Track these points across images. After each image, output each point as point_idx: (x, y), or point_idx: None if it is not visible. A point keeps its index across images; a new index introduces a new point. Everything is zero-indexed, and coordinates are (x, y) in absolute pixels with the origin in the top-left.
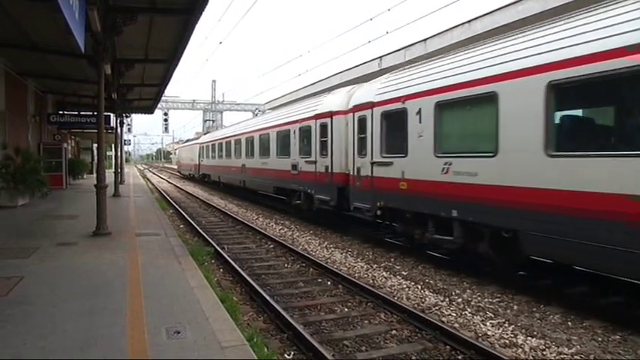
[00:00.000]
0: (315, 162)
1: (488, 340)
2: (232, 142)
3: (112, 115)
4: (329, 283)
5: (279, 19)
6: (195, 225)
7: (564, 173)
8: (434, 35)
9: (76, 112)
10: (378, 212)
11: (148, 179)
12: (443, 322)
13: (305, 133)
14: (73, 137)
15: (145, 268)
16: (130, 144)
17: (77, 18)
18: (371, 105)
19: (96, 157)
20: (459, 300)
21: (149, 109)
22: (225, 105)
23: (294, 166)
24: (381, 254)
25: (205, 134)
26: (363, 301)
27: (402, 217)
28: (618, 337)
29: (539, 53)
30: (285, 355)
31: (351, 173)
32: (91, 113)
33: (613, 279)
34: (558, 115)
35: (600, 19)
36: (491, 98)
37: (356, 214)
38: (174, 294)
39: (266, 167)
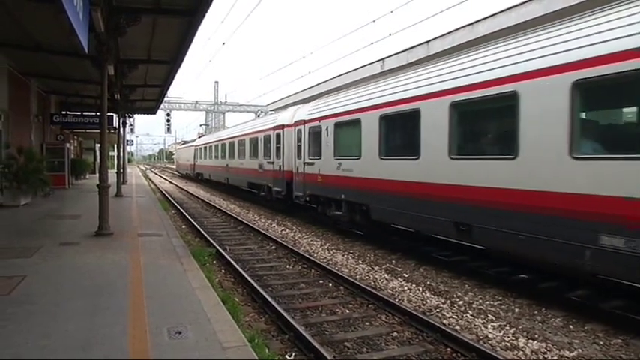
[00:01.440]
0: (273, 163)
1: (490, 342)
2: (219, 146)
3: (114, 116)
4: (330, 284)
5: (282, 21)
6: (197, 226)
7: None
8: (436, 37)
9: (79, 113)
10: (307, 198)
11: (150, 180)
12: (444, 324)
13: (267, 141)
14: (75, 137)
15: (146, 268)
16: (132, 144)
17: (81, 19)
18: (303, 122)
19: (98, 158)
20: (461, 302)
21: (152, 110)
22: (227, 106)
23: (260, 166)
24: (382, 256)
25: (199, 138)
26: (364, 303)
27: (319, 201)
28: (620, 340)
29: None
30: (287, 356)
31: (294, 171)
32: (93, 113)
33: (615, 282)
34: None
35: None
36: (357, 122)
37: (295, 201)
38: (175, 294)
39: (242, 167)
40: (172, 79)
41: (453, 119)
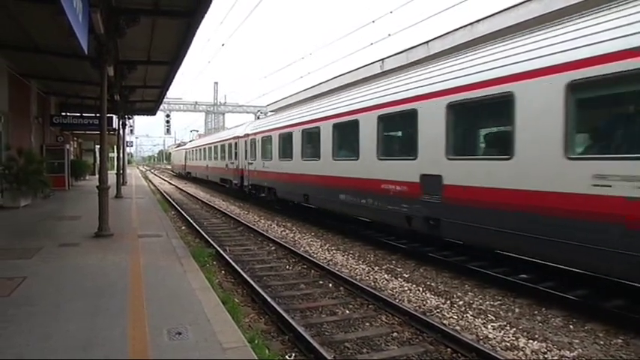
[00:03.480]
0: (233, 163)
1: (490, 342)
2: (202, 150)
3: (114, 117)
4: (330, 285)
5: (281, 22)
6: (196, 226)
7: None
8: (436, 37)
9: (79, 114)
10: (250, 187)
11: (150, 180)
12: (444, 324)
13: (230, 147)
14: (75, 139)
15: (146, 269)
16: (132, 145)
17: (80, 20)
18: (247, 135)
19: (98, 159)
20: (461, 303)
21: (151, 111)
22: (227, 107)
23: (226, 165)
24: (382, 257)
25: (190, 142)
26: (364, 304)
27: (256, 189)
28: (620, 340)
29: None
30: (287, 357)
31: (244, 169)
32: (93, 115)
33: (616, 282)
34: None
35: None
36: (269, 137)
37: (243, 189)
38: (175, 295)
39: (216, 166)
40: (172, 80)
41: (335, 136)
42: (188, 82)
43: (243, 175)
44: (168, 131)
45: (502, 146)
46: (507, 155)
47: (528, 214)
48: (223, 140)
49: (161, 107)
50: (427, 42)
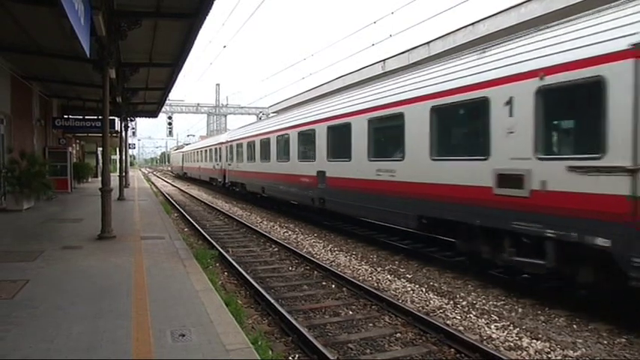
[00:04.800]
0: (218, 164)
1: (493, 342)
2: (195, 153)
3: (116, 119)
4: (333, 286)
5: (283, 23)
6: (199, 228)
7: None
8: (437, 38)
9: (81, 116)
10: (230, 184)
11: (153, 183)
12: (447, 324)
13: (216, 151)
14: (77, 141)
15: (149, 271)
16: (134, 147)
17: (82, 23)
18: (227, 142)
19: (101, 161)
20: (464, 303)
21: (153, 113)
22: (229, 108)
23: (214, 166)
24: (385, 257)
25: (187, 145)
26: (367, 304)
27: (234, 185)
28: (624, 339)
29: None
30: (290, 358)
31: (225, 169)
32: (95, 117)
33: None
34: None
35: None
36: (241, 144)
37: (226, 185)
38: (179, 297)
39: (206, 167)
40: (174, 82)
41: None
42: (190, 84)
43: (225, 174)
44: (170, 133)
45: (347, 152)
46: (348, 158)
47: (360, 193)
48: (211, 145)
49: (163, 109)
50: (428, 42)
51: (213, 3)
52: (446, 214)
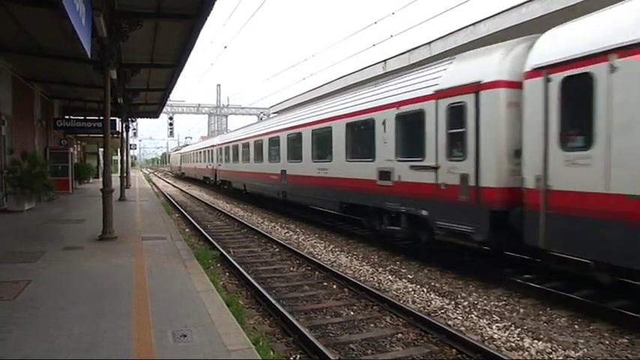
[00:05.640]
0: (211, 164)
1: (495, 343)
2: (191, 154)
3: (117, 120)
4: (334, 286)
5: (284, 23)
6: (200, 229)
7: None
8: (438, 38)
9: (82, 117)
10: (220, 182)
11: (154, 183)
12: (449, 325)
13: (210, 153)
14: (79, 142)
15: (151, 271)
16: (135, 148)
17: (84, 24)
18: (219, 144)
19: (102, 162)
20: (465, 303)
21: (154, 114)
22: (230, 109)
23: (207, 166)
24: (386, 258)
25: (185, 146)
26: (368, 305)
27: (223, 183)
28: (626, 340)
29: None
30: (291, 359)
31: (217, 169)
32: (96, 118)
33: (619, 282)
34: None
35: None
36: (229, 147)
37: (217, 183)
38: (180, 298)
39: (201, 167)
40: (175, 82)
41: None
42: (191, 85)
43: (216, 173)
44: (171, 134)
45: (299, 155)
46: (300, 160)
47: (309, 186)
48: (205, 148)
49: (164, 110)
50: (429, 43)
51: (214, 4)
52: (354, 199)
